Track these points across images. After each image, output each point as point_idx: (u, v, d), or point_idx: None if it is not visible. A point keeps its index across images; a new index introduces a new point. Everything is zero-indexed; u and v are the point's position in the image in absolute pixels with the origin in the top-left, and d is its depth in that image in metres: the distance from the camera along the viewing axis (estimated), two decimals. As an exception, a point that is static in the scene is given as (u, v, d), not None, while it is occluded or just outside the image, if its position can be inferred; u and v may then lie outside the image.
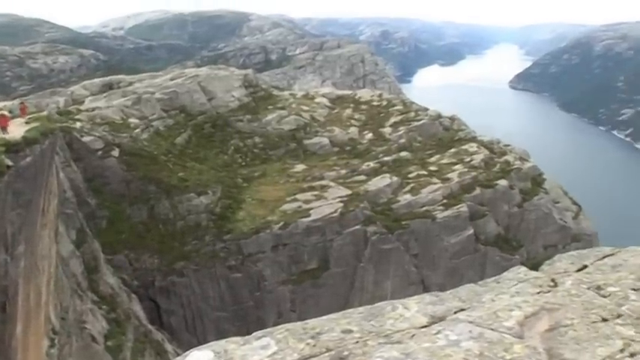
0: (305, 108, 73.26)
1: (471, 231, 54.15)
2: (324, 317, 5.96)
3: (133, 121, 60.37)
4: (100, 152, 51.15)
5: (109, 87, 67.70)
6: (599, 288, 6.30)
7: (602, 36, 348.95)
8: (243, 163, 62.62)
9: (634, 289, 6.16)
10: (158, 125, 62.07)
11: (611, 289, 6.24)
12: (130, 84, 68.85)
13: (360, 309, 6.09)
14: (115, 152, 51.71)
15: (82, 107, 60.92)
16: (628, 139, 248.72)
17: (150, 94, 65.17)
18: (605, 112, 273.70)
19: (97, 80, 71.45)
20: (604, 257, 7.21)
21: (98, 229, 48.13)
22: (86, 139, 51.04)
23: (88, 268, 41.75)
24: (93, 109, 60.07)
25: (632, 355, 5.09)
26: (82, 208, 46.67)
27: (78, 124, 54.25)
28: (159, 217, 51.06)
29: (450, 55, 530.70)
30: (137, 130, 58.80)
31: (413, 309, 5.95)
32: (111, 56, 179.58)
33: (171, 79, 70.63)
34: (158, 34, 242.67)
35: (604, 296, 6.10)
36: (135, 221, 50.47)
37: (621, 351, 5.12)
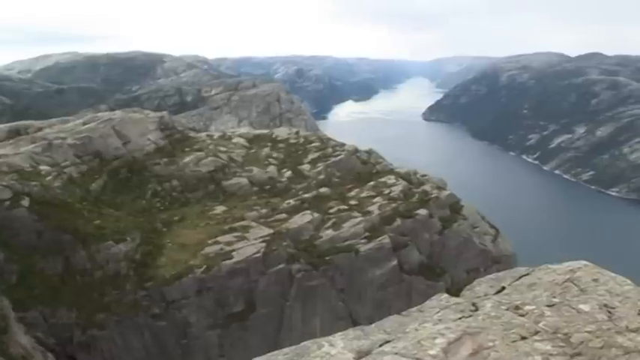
0: (222, 149, 72.71)
1: (395, 262, 54.84)
2: (249, 361, 5.79)
3: (43, 168, 57.84)
4: (7, 202, 48.40)
5: (16, 133, 64.58)
6: (517, 308, 6.45)
7: (506, 67, 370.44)
8: (162, 208, 61.09)
9: (549, 306, 6.35)
10: (71, 172, 59.73)
11: (528, 307, 6.40)
12: (40, 129, 66.05)
13: (285, 350, 5.96)
14: (25, 202, 49.12)
15: (-13, 156, 57.92)
16: (536, 162, 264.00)
17: (61, 140, 62.77)
18: (514, 138, 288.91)
19: (2, 126, 67.82)
20: (520, 277, 7.41)
21: (7, 284, 45.20)
22: (-8, 190, 48.38)
23: (-3, 329, 39.10)
24: (-1, 158, 57.23)
25: (551, 371, 5.21)
26: (-10, 264, 43.94)
27: (-18, 175, 51.47)
28: (75, 268, 48.67)
29: (364, 90, 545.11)
30: (49, 178, 56.34)
31: (339, 346, 5.87)
32: (17, 100, 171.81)
33: (84, 124, 68.39)
34: (69, 77, 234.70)
35: (522, 315, 6.24)
36: (49, 274, 47.80)
37: (541, 367, 5.24)
